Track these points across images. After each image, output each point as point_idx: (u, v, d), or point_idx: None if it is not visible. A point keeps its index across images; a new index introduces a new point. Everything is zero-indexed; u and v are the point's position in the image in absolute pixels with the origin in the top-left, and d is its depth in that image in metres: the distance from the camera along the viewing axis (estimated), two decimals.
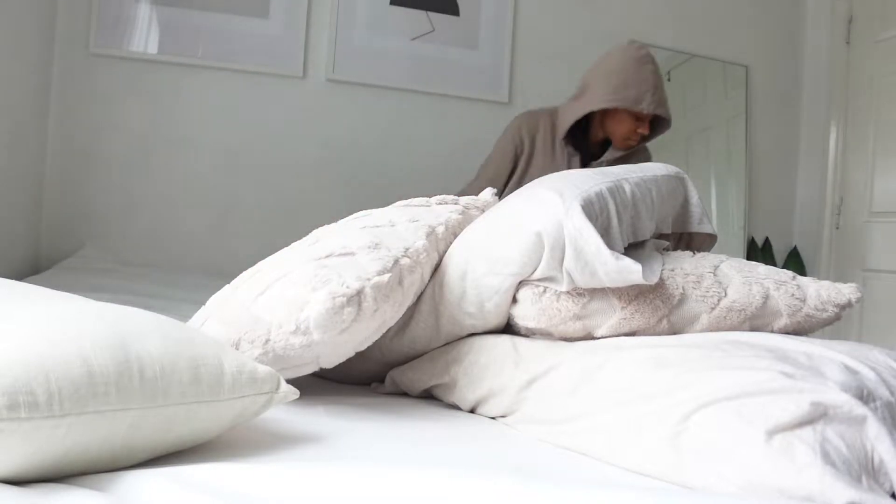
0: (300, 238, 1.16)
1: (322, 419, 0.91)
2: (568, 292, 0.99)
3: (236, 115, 2.92)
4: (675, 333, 1.00)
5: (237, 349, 0.92)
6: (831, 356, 0.85)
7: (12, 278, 1.50)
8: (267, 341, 0.92)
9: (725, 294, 1.01)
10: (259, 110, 2.94)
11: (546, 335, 1.04)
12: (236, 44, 2.88)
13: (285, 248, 1.12)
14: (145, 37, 2.82)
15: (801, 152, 3.44)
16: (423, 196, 1.29)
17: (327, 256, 0.97)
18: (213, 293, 1.09)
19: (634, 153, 2.06)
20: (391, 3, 3.03)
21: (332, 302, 0.88)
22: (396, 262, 0.98)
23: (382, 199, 3.11)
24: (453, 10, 3.09)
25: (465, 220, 1.18)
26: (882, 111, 3.02)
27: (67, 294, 0.83)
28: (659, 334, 1.00)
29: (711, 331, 1.00)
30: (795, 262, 3.23)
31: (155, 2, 2.80)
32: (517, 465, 0.79)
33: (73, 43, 2.76)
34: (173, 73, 2.84)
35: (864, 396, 0.75)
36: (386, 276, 0.94)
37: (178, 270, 2.62)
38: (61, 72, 2.75)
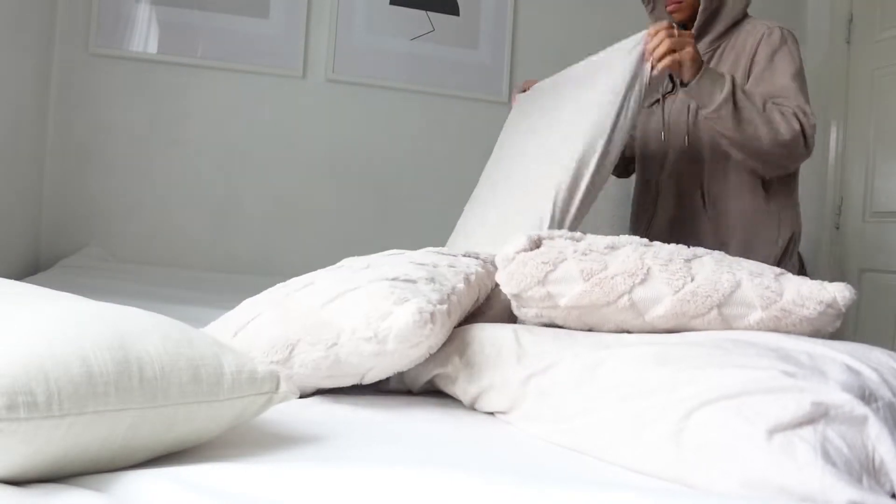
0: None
1: (322, 419, 0.91)
2: (534, 260, 1.04)
3: (236, 115, 2.92)
4: (637, 312, 1.02)
5: (292, 349, 0.96)
6: (833, 356, 0.85)
7: (12, 278, 1.49)
8: (333, 345, 0.95)
9: (692, 279, 1.01)
10: (259, 110, 2.94)
11: (521, 303, 1.08)
12: (236, 44, 2.88)
13: (328, 269, 1.16)
14: (145, 37, 2.82)
15: None
16: (422, 196, 1.30)
17: (394, 279, 1.02)
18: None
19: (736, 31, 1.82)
20: (391, 2, 3.04)
21: (419, 316, 0.93)
22: (449, 296, 1.04)
23: (382, 199, 3.13)
24: (453, 10, 3.09)
25: (486, 273, 1.21)
26: (882, 111, 3.02)
27: (67, 294, 0.83)
28: (620, 311, 1.02)
29: (676, 314, 1.01)
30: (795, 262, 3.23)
31: (155, 2, 2.80)
32: (518, 466, 0.79)
33: (73, 43, 2.76)
34: (173, 73, 2.85)
35: (866, 396, 0.75)
36: (445, 307, 1.00)
37: (175, 270, 2.61)
38: (61, 72, 2.75)
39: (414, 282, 1.03)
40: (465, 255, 1.24)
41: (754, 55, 1.75)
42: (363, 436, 0.86)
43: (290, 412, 0.91)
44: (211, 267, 2.74)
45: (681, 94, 1.68)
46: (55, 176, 2.76)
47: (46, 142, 2.74)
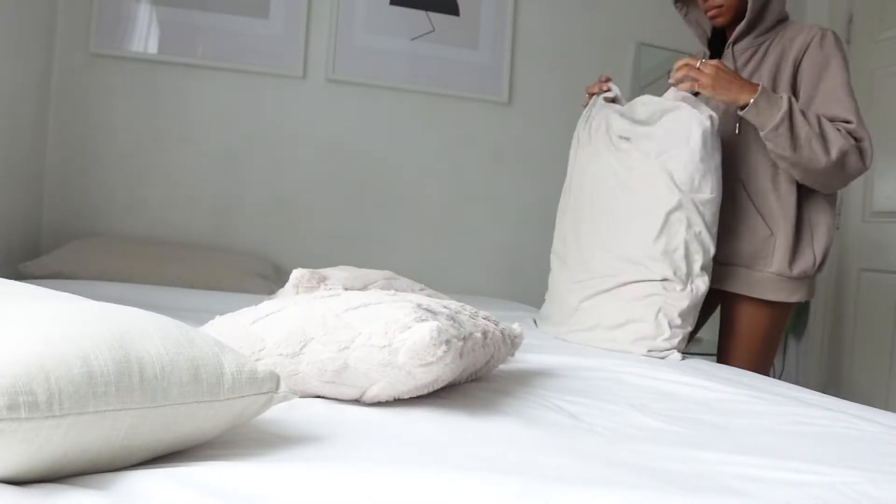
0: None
1: (322, 419, 0.91)
2: None
3: (236, 114, 2.92)
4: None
5: (305, 345, 0.98)
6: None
7: (12, 278, 1.49)
8: (345, 348, 0.96)
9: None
10: (259, 110, 2.94)
11: None
12: (236, 44, 2.88)
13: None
14: (145, 37, 2.82)
15: None
16: (422, 196, 1.30)
17: (418, 306, 1.03)
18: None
19: (781, 33, 1.81)
20: (391, 3, 3.04)
21: (438, 334, 0.94)
22: (466, 338, 1.05)
23: (382, 199, 3.13)
24: (453, 10, 3.09)
25: (502, 339, 1.21)
26: (882, 111, 3.02)
27: (67, 294, 0.83)
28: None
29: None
30: None
31: (155, 2, 2.80)
32: (518, 467, 0.80)
33: (73, 43, 2.76)
34: (173, 73, 2.85)
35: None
36: (461, 343, 1.01)
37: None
38: (61, 72, 2.75)
39: (436, 314, 1.05)
40: (483, 317, 1.25)
41: (801, 59, 1.75)
42: (363, 436, 0.86)
43: (291, 412, 0.91)
44: (210, 266, 2.74)
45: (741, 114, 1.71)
46: (55, 175, 2.76)
47: (47, 141, 2.75)
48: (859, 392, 2.91)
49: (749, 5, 1.77)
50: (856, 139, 1.66)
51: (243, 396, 0.74)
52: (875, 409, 1.22)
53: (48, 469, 0.60)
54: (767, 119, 1.62)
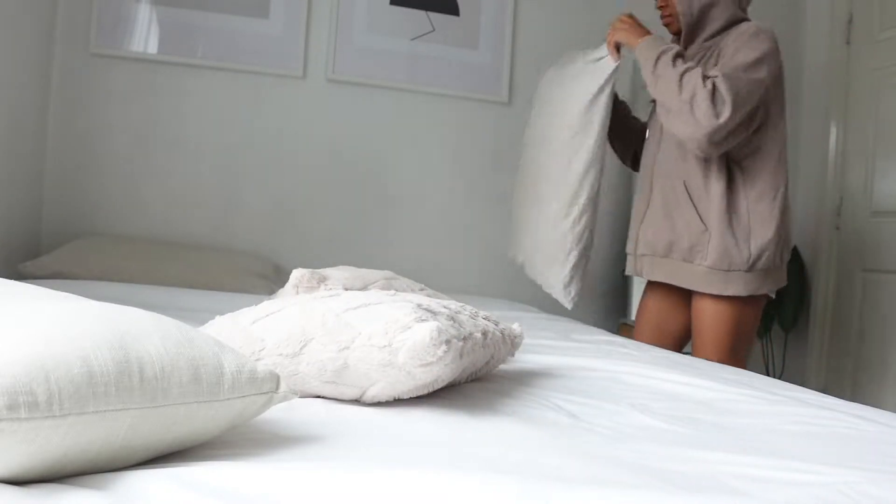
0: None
1: (322, 419, 0.91)
2: None
3: (236, 115, 2.93)
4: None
5: (304, 345, 0.98)
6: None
7: (12, 278, 1.49)
8: (345, 348, 0.96)
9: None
10: (259, 110, 2.95)
11: None
12: (236, 44, 2.88)
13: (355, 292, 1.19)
14: (145, 37, 2.82)
15: (801, 152, 3.45)
16: (422, 196, 1.30)
17: (419, 306, 1.03)
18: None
19: (715, 45, 1.94)
20: (391, 3, 3.04)
21: (438, 334, 0.95)
22: (466, 339, 1.05)
23: (382, 199, 3.13)
24: (453, 10, 3.10)
25: (502, 339, 1.21)
26: (882, 111, 3.02)
27: (68, 294, 0.83)
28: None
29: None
30: (795, 263, 3.23)
31: (155, 2, 2.80)
32: (518, 467, 0.79)
33: (73, 43, 2.76)
34: (173, 73, 2.85)
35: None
36: (461, 343, 1.01)
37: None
38: (61, 72, 2.75)
39: (436, 314, 1.05)
40: (483, 317, 1.25)
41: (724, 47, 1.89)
42: (364, 436, 0.86)
43: (291, 412, 0.91)
44: (210, 266, 2.74)
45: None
46: (55, 175, 2.76)
47: (46, 141, 2.75)
48: (859, 392, 2.91)
49: (681, 18, 1.98)
50: (713, 87, 1.75)
51: (243, 396, 0.74)
52: (875, 409, 1.22)
53: (48, 469, 0.60)
54: (644, 61, 1.89)
